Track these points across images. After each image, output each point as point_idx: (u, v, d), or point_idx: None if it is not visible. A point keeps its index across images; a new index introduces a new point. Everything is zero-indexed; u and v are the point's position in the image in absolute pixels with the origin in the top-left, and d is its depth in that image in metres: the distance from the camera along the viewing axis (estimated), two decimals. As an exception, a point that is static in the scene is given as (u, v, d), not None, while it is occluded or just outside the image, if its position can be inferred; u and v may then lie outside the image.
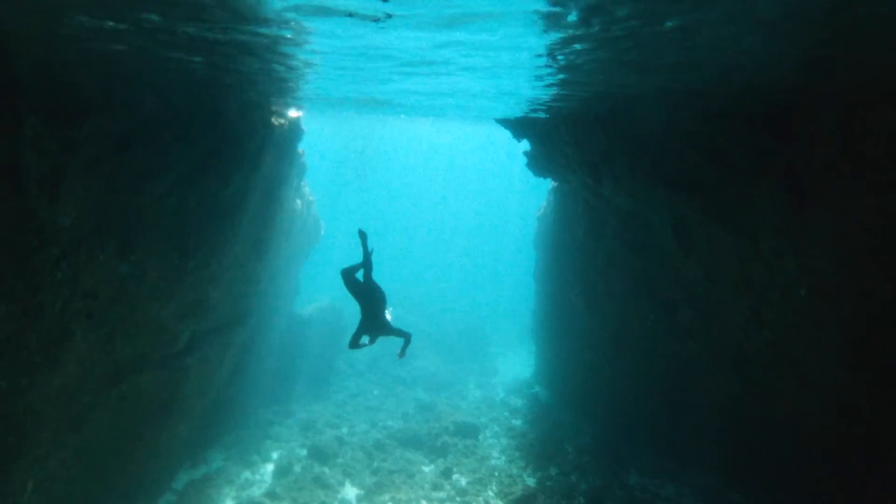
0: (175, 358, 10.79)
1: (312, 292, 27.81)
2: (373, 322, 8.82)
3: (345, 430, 17.07)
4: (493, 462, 15.16)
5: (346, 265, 9.30)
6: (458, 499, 12.74)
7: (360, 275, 9.25)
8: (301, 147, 14.58)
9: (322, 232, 20.28)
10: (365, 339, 8.91)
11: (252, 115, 10.96)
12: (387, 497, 12.33)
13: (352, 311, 28.54)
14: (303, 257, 19.41)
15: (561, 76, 6.59)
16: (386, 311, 8.97)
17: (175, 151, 9.38)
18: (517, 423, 19.06)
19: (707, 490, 12.83)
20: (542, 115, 10.54)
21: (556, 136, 10.62)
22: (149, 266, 9.35)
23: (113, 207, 8.39)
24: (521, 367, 28.91)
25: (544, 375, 23.27)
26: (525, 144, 14.05)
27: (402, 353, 9.13)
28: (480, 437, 17.09)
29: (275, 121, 11.77)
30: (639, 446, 15.21)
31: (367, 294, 8.93)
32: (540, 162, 13.10)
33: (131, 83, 8.42)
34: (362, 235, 9.46)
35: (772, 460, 10.97)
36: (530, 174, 15.34)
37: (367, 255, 9.27)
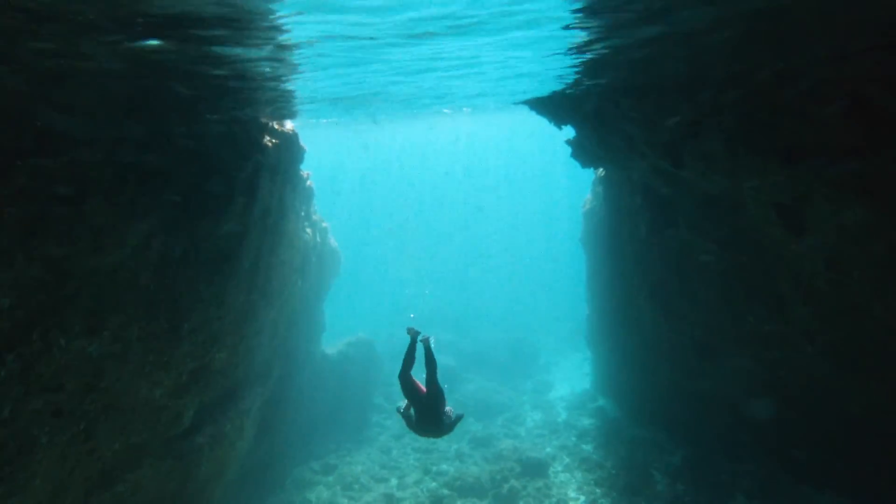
0: (181, 440, 9.14)
1: (340, 327, 26.18)
2: (427, 423, 7.31)
3: (394, 482, 15.26)
4: (571, 506, 13.17)
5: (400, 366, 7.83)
6: (539, 565, 10.78)
7: (420, 378, 7.69)
8: (305, 169, 12.95)
9: (341, 261, 18.59)
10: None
11: (239, 136, 9.29)
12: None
13: (384, 341, 27.01)
14: (324, 293, 17.74)
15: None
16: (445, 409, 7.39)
17: (146, 193, 7.74)
18: (588, 447, 17.03)
19: (836, 515, 10.65)
20: (590, 87, 8.67)
21: (613, 114, 8.70)
22: (130, 338, 7.71)
23: (71, 274, 6.75)
24: (577, 377, 26.83)
25: (607, 386, 21.16)
26: (568, 132, 12.12)
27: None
28: (550, 472, 15.13)
29: (268, 141, 10.09)
30: (740, 463, 13.09)
31: (426, 402, 7.45)
32: (589, 149, 11.17)
33: (75, 113, 6.81)
34: (412, 334, 7.99)
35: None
36: (573, 165, 13.38)
37: (431, 360, 7.77)
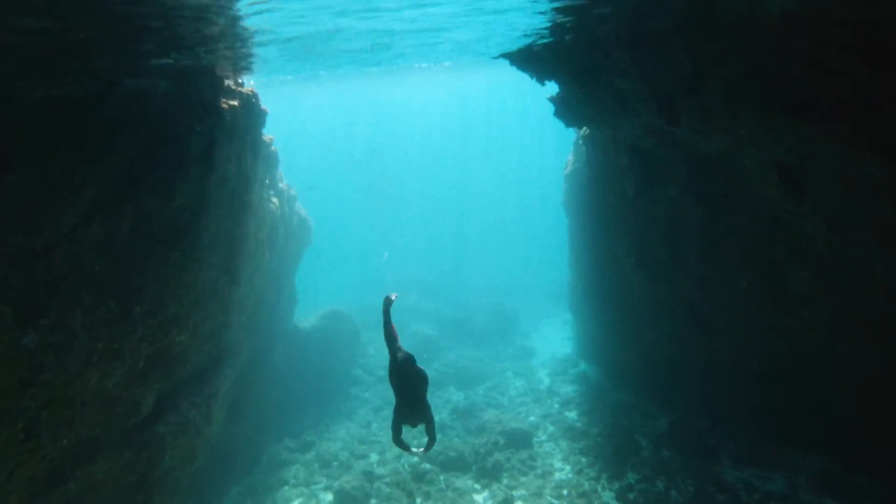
0: (140, 431, 8.52)
1: (314, 299, 25.46)
2: (410, 408, 6.71)
3: (374, 457, 14.91)
4: (557, 476, 12.96)
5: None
6: (527, 541, 10.56)
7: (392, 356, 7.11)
8: (268, 133, 12.07)
9: (312, 231, 17.79)
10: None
11: (191, 95, 8.42)
12: (440, 555, 10.17)
13: (360, 311, 26.40)
14: (295, 264, 16.99)
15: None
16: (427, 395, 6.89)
17: (83, 162, 6.92)
18: (572, 415, 16.86)
19: (825, 477, 10.61)
20: (579, 36, 7.96)
21: (604, 67, 8.02)
22: (74, 326, 7.00)
23: (-4, 258, 5.98)
24: (558, 341, 26.71)
25: (590, 351, 21.02)
26: (551, 88, 11.40)
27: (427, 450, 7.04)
28: (535, 442, 14.89)
29: (224, 103, 9.22)
30: (725, 426, 13.01)
31: (400, 375, 6.86)
32: (575, 107, 10.49)
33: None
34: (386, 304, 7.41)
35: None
36: (554, 126, 12.71)
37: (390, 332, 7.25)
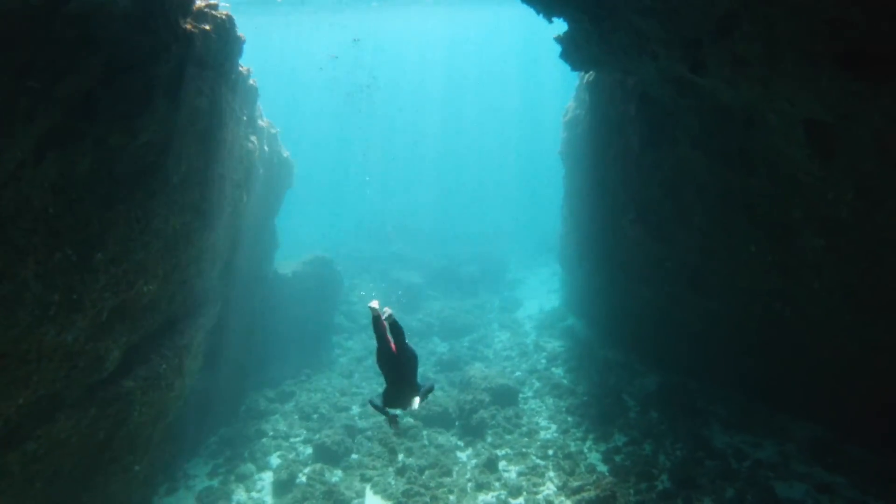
0: (105, 386, 8.03)
1: (297, 243, 24.76)
2: (399, 390, 6.51)
3: (355, 410, 14.71)
4: (543, 436, 12.85)
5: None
6: (510, 502, 10.44)
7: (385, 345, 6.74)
8: (245, 64, 11.11)
9: (294, 171, 16.94)
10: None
11: (154, 15, 7.49)
12: (422, 516, 10.01)
13: (345, 258, 25.87)
14: (275, 207, 16.23)
15: None
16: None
17: (28, 90, 6.11)
18: (558, 371, 16.77)
19: (816, 445, 10.55)
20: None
21: (622, 2, 7.21)
22: (26, 276, 6.36)
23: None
24: (545, 293, 26.55)
25: (579, 305, 20.83)
26: (558, 26, 10.51)
27: (423, 399, 6.67)
28: (520, 398, 14.77)
29: (192, 26, 8.29)
30: (715, 387, 12.92)
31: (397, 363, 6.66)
32: (584, 48, 9.67)
33: None
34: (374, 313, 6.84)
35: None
36: (555, 69, 11.87)
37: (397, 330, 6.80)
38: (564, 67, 12.29)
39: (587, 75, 13.53)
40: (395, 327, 6.71)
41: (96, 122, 7.08)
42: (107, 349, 7.85)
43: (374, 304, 6.86)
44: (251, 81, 12.11)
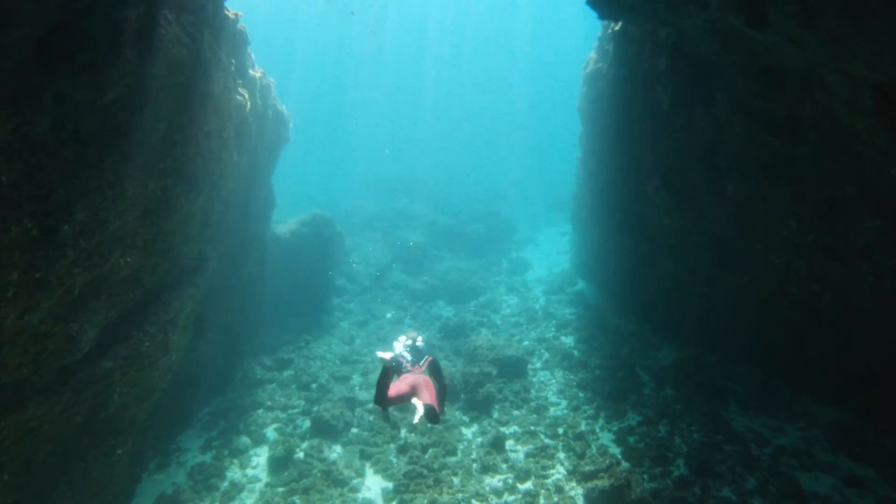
0: (80, 368, 7.47)
1: (295, 202, 23.89)
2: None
3: (356, 379, 14.26)
4: (552, 412, 12.39)
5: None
6: (518, 486, 10.01)
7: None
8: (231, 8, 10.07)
9: (290, 125, 15.96)
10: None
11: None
12: (424, 500, 9.59)
13: (345, 216, 25.08)
14: (271, 164, 15.35)
15: None
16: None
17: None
18: (568, 340, 16.25)
19: (843, 433, 10.01)
20: None
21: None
22: (-24, 254, 5.68)
23: None
24: (554, 254, 25.92)
25: (590, 270, 20.16)
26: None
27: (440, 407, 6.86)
28: (529, 370, 14.29)
29: (166, -37, 7.32)
30: (734, 365, 12.37)
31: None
32: (616, -8, 8.64)
33: None
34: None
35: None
36: (575, 18, 10.77)
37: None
38: (585, 13, 11.20)
39: (612, 25, 12.41)
40: (435, 368, 6.93)
41: (55, 76, 6.25)
42: (80, 329, 7.23)
43: (386, 354, 6.81)
44: (240, 26, 11.08)
